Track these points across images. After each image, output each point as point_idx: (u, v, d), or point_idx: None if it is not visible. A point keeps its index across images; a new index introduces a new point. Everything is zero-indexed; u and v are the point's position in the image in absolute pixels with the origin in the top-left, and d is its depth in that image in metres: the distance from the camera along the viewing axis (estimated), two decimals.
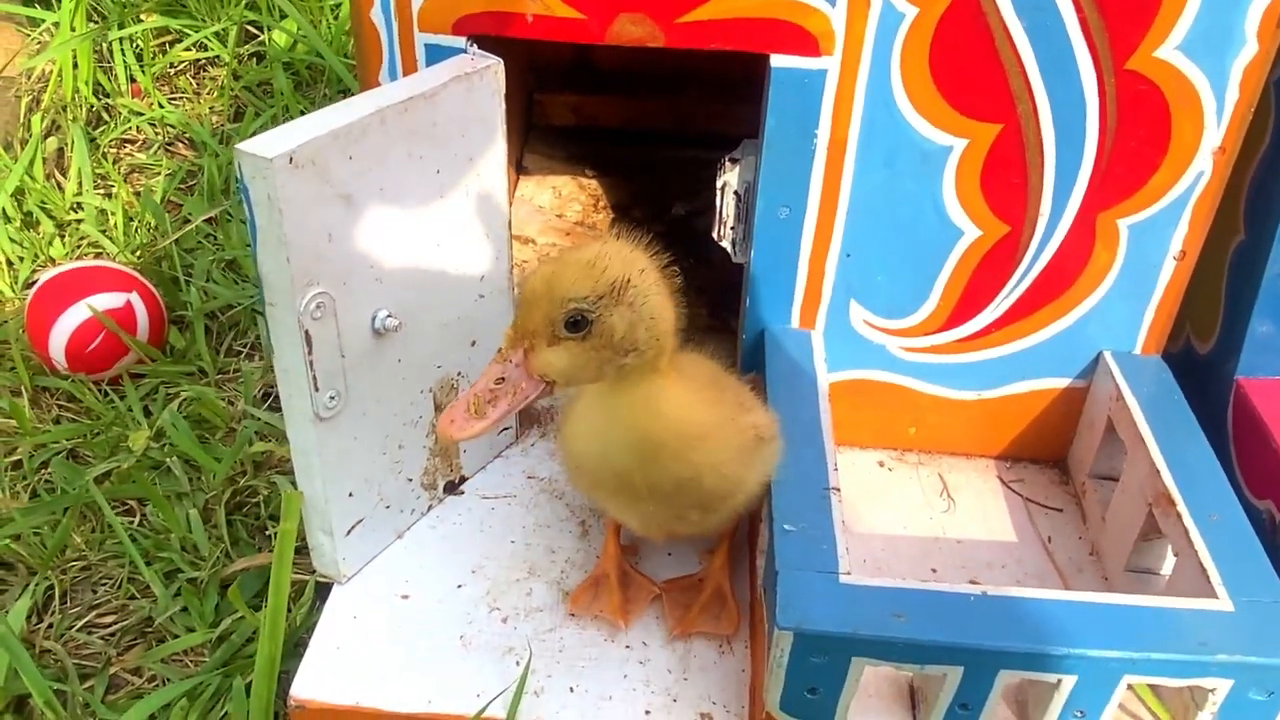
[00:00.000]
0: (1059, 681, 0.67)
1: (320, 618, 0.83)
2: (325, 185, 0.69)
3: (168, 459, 1.07)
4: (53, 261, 1.36)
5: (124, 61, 1.66)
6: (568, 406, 0.79)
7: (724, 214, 0.89)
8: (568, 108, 1.42)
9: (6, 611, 0.91)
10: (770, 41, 0.79)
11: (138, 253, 1.37)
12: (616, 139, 1.40)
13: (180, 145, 1.60)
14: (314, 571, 0.87)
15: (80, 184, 1.48)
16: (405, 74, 0.83)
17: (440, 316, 0.84)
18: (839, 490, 0.77)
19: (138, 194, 1.47)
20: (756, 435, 0.76)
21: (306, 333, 0.71)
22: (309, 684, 0.77)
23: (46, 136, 1.54)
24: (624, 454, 0.71)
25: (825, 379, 0.88)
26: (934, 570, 0.89)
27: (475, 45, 0.82)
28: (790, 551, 0.71)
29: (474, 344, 0.89)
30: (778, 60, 0.79)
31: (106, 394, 1.16)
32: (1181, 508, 0.77)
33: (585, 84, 1.41)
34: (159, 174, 1.52)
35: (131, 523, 1.02)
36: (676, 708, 0.77)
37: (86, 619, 0.94)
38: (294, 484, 0.80)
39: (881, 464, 1.00)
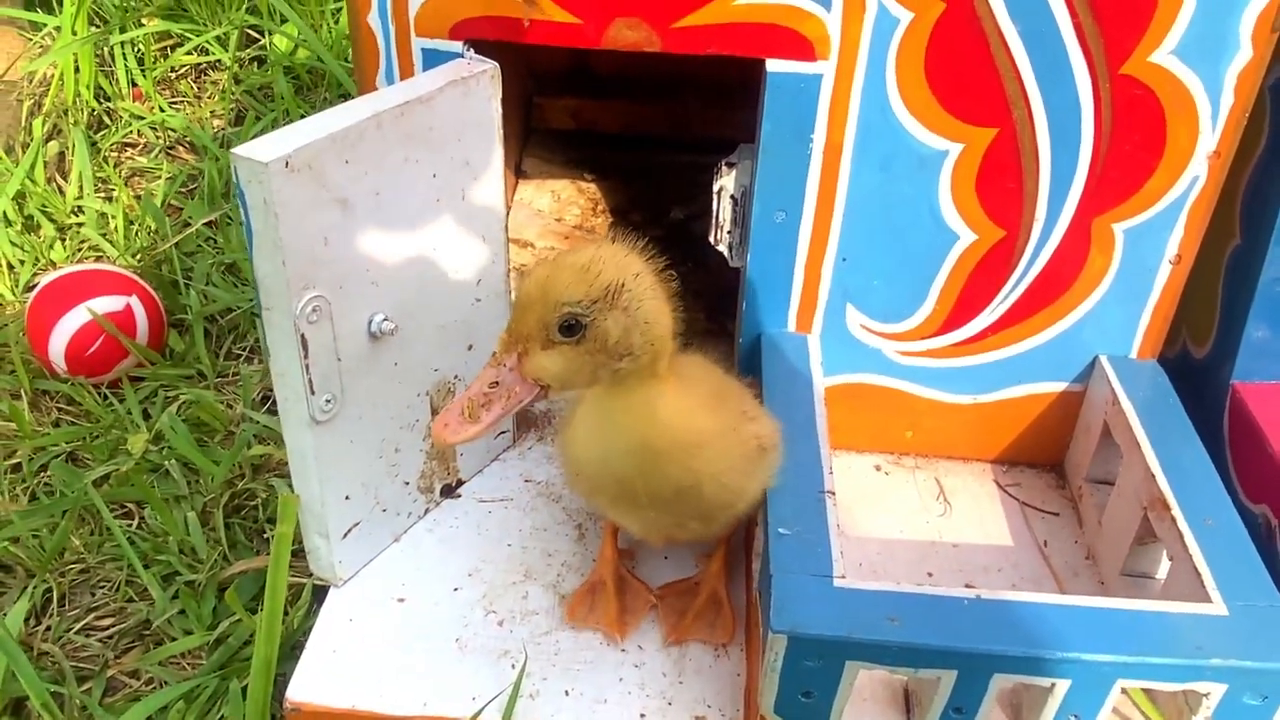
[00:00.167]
0: (1053, 686, 0.67)
1: (317, 621, 0.83)
2: (321, 189, 0.69)
3: (166, 462, 1.07)
4: (53, 265, 1.37)
5: (125, 65, 1.67)
6: (567, 411, 0.79)
7: (720, 218, 0.90)
8: (566, 112, 1.42)
9: (4, 614, 0.92)
10: (766, 46, 0.79)
11: (138, 256, 1.37)
12: (615, 143, 1.41)
13: (181, 149, 1.61)
14: (311, 574, 0.87)
15: (81, 187, 1.49)
16: (402, 78, 0.83)
17: (437, 320, 0.84)
18: (834, 494, 0.77)
19: (138, 197, 1.47)
20: (759, 445, 0.75)
21: (302, 336, 0.72)
22: (305, 687, 0.77)
23: (48, 140, 1.54)
24: (624, 460, 0.71)
25: (821, 383, 0.88)
26: (930, 574, 0.89)
27: (472, 50, 0.82)
28: (785, 555, 0.72)
29: (471, 347, 0.89)
30: (773, 65, 0.80)
31: (106, 397, 1.16)
32: (1176, 512, 0.77)
33: (584, 88, 1.42)
34: (159, 178, 1.53)
35: (130, 525, 1.02)
36: (671, 711, 0.77)
37: (84, 621, 0.94)
38: (291, 487, 0.80)
39: (878, 468, 1.00)
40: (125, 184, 1.51)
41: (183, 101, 1.69)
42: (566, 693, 0.78)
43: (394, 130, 0.73)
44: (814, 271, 0.89)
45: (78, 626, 0.94)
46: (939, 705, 0.69)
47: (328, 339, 0.74)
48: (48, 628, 0.93)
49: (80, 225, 1.43)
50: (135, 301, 1.18)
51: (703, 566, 0.87)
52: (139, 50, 1.70)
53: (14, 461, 1.09)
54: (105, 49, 1.68)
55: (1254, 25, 0.76)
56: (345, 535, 0.83)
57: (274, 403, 1.12)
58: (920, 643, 0.66)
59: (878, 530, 0.93)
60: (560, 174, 1.37)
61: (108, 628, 0.94)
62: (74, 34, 1.62)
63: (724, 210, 0.89)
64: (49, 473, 1.08)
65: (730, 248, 0.91)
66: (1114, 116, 0.80)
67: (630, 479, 0.72)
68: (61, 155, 1.54)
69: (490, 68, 0.80)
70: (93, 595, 0.97)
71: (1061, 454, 0.99)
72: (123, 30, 1.69)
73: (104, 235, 1.41)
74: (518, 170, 1.36)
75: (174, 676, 0.89)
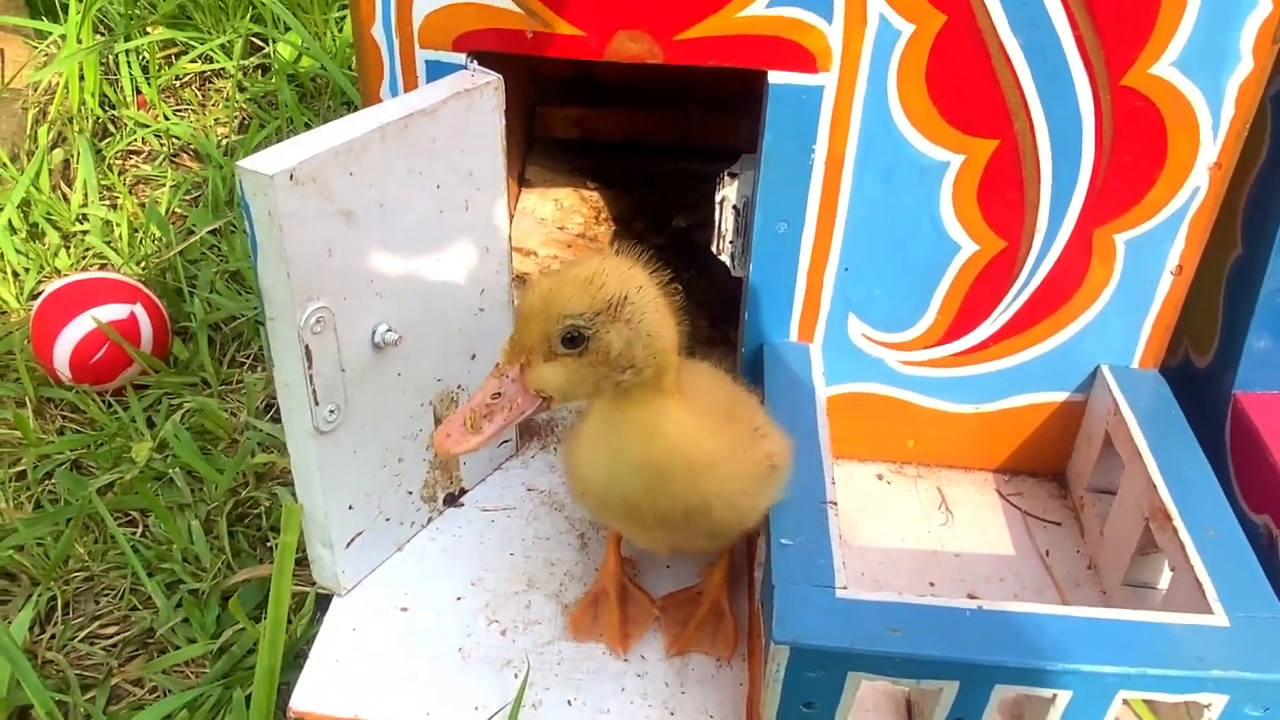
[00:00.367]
0: (1054, 697, 0.67)
1: (320, 630, 0.83)
2: (326, 201, 0.70)
3: (170, 470, 1.07)
4: (58, 273, 1.37)
5: (130, 74, 1.67)
6: (573, 426, 0.78)
7: (723, 228, 0.90)
8: (570, 121, 1.43)
9: (9, 622, 0.92)
10: (768, 58, 0.79)
11: (142, 264, 1.38)
12: (618, 152, 1.41)
13: (185, 157, 1.61)
14: (314, 583, 0.88)
15: (86, 195, 1.49)
16: (406, 90, 0.84)
17: (440, 330, 0.85)
18: (836, 504, 0.77)
19: (143, 205, 1.48)
20: (770, 464, 0.74)
21: (306, 347, 0.72)
22: (308, 696, 0.78)
23: (53, 148, 1.55)
24: (630, 480, 0.70)
25: (823, 392, 0.89)
26: (932, 584, 0.89)
27: (475, 61, 0.82)
28: (787, 566, 0.72)
29: (474, 357, 0.89)
30: (775, 77, 0.80)
31: (110, 405, 1.17)
32: (1178, 522, 0.78)
33: (587, 97, 1.42)
34: (164, 186, 1.53)
35: (134, 534, 1.03)
36: None
37: (89, 630, 0.94)
38: (295, 496, 0.80)
39: (880, 477, 1.00)
40: (130, 192, 1.51)
41: (187, 109, 1.69)
42: (569, 702, 0.78)
43: (398, 142, 0.74)
44: (816, 281, 0.90)
45: (82, 635, 0.94)
46: (941, 716, 0.69)
47: (332, 349, 0.74)
48: (52, 636, 0.94)
49: (85, 233, 1.43)
50: (140, 309, 1.18)
51: (705, 576, 0.87)
52: (144, 58, 1.70)
53: (19, 469, 1.09)
54: (110, 57, 1.68)
55: (1254, 37, 0.76)
56: (349, 544, 0.84)
57: (278, 410, 1.13)
58: (922, 654, 0.66)
59: (880, 540, 0.93)
60: (563, 182, 1.37)
61: (112, 636, 0.94)
62: (79, 42, 1.63)
63: (726, 220, 0.89)
64: (53, 481, 1.08)
65: (733, 257, 0.92)
66: (1115, 128, 0.80)
67: (637, 498, 0.71)
68: (66, 163, 1.55)
69: (494, 80, 0.80)
70: (97, 603, 0.97)
71: (1063, 464, 0.99)
72: (127, 38, 1.70)
73: (108, 243, 1.41)
74: (521, 178, 1.36)
75: (178, 685, 0.89)
